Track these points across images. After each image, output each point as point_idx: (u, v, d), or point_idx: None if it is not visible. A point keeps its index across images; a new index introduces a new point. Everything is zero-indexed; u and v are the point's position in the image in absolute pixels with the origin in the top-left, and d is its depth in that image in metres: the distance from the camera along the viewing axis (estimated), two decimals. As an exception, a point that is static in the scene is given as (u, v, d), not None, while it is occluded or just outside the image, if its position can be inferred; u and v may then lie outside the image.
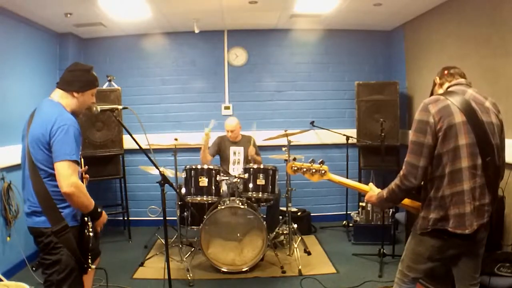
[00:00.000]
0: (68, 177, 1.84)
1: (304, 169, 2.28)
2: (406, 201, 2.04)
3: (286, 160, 3.89)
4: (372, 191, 2.11)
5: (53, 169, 1.88)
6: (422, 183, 1.90)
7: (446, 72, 2.02)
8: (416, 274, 1.98)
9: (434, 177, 1.83)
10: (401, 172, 1.86)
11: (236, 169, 4.25)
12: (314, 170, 2.27)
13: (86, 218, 2.04)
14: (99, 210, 2.06)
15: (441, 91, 2.01)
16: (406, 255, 2.03)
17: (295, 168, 2.31)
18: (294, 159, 2.36)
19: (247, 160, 4.25)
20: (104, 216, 2.14)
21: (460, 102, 1.81)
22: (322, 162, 2.27)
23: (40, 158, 1.92)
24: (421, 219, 1.90)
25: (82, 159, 2.14)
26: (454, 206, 1.78)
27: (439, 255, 1.89)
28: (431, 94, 2.11)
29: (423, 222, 1.89)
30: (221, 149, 4.41)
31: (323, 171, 2.25)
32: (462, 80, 1.96)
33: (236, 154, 4.34)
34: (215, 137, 4.51)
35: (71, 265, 1.94)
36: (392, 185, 1.91)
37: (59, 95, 2.06)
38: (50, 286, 1.95)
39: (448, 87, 1.96)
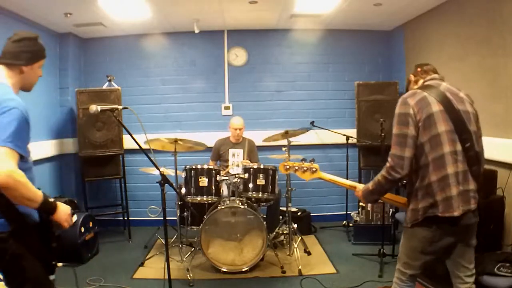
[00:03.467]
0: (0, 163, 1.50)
1: (296, 168, 2.36)
2: (388, 195, 2.09)
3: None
4: (358, 187, 2.17)
5: None
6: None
7: (419, 69, 2.11)
8: (413, 270, 2.01)
9: (418, 167, 1.89)
10: (388, 164, 1.90)
11: (234, 171, 4.25)
12: (305, 168, 2.35)
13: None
14: (49, 206, 1.72)
15: (416, 86, 2.10)
16: (401, 252, 2.07)
17: (287, 167, 2.40)
18: (313, 161, 2.41)
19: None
20: (63, 209, 1.79)
21: (436, 93, 1.92)
22: (312, 160, 2.35)
23: None
24: (410, 211, 1.95)
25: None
26: (441, 191, 1.84)
27: (431, 246, 1.92)
28: (406, 90, 2.19)
29: (412, 214, 1.93)
30: (220, 151, 4.42)
31: (313, 169, 2.33)
32: (435, 76, 2.05)
33: (235, 156, 4.34)
34: (215, 140, 4.54)
35: (37, 273, 1.74)
36: (379, 177, 1.95)
37: (4, 74, 1.76)
38: None
39: (423, 82, 2.05)
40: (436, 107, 1.87)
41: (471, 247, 1.99)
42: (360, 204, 4.39)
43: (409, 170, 1.86)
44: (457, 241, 1.94)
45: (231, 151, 4.36)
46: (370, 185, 2.02)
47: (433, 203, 1.85)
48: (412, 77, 2.15)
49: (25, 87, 1.90)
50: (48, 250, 1.84)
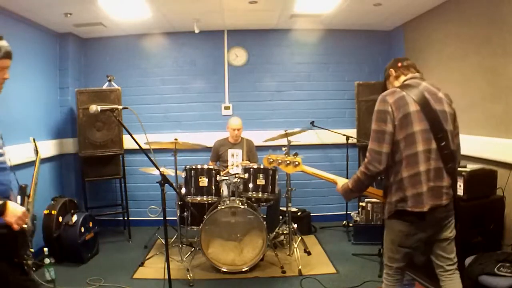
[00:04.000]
0: None
1: (279, 161, 2.39)
2: (370, 188, 2.14)
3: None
4: (338, 183, 2.21)
5: None
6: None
7: (399, 64, 2.15)
8: (396, 263, 2.09)
9: (393, 162, 1.97)
10: (366, 160, 1.98)
11: (234, 171, 4.25)
12: (288, 162, 2.37)
13: None
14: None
15: (396, 83, 2.15)
16: (385, 247, 2.16)
17: (271, 160, 2.41)
18: (296, 155, 2.44)
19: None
20: (12, 210, 1.68)
21: (414, 93, 1.97)
22: (296, 154, 2.39)
23: None
24: (387, 204, 2.04)
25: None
26: (411, 187, 1.92)
27: (407, 240, 2.01)
28: (384, 84, 2.27)
29: (388, 207, 2.03)
30: (219, 152, 4.42)
31: (296, 163, 2.36)
32: (417, 74, 2.11)
33: (234, 156, 4.34)
34: (213, 141, 4.54)
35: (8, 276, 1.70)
36: (357, 173, 2.03)
37: None
38: None
39: (404, 80, 2.09)
40: (413, 107, 1.93)
41: (449, 239, 2.06)
42: (360, 204, 4.40)
43: (386, 165, 1.94)
44: (432, 234, 2.04)
45: (230, 151, 4.36)
46: (349, 183, 2.09)
47: (403, 197, 1.94)
48: (392, 72, 2.18)
49: None
50: (14, 250, 1.77)
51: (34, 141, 2.83)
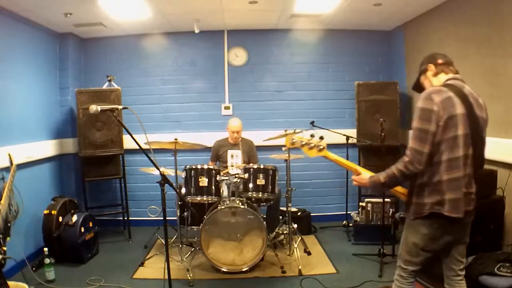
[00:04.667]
0: None
1: (303, 142, 2.28)
2: (398, 187, 2.09)
3: (286, 160, 3.89)
4: (363, 174, 2.15)
5: None
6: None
7: (440, 61, 2.08)
8: (414, 266, 2.04)
9: (430, 163, 1.89)
10: (406, 158, 1.90)
11: (233, 171, 4.24)
12: (312, 145, 2.27)
13: None
14: None
15: (435, 80, 2.07)
16: (401, 249, 2.10)
17: (294, 140, 2.31)
18: (322, 138, 2.31)
19: (244, 163, 4.25)
20: None
21: (461, 96, 1.90)
22: (321, 138, 2.28)
23: None
24: (414, 205, 1.97)
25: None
26: (450, 191, 1.87)
27: (433, 244, 1.97)
28: (418, 79, 2.19)
29: (417, 208, 1.96)
30: (219, 152, 4.42)
31: (321, 147, 2.25)
32: (458, 76, 2.04)
33: (233, 157, 4.34)
34: (213, 141, 4.54)
35: None
36: (394, 170, 1.94)
37: None
38: None
39: (447, 80, 2.02)
40: (459, 109, 1.87)
41: (465, 244, 2.07)
42: (360, 204, 4.40)
43: (425, 165, 1.87)
44: (455, 239, 2.01)
45: (229, 152, 4.36)
46: (381, 177, 2.00)
47: (440, 200, 1.88)
48: (432, 68, 2.09)
49: None
50: None
51: (10, 155, 3.21)
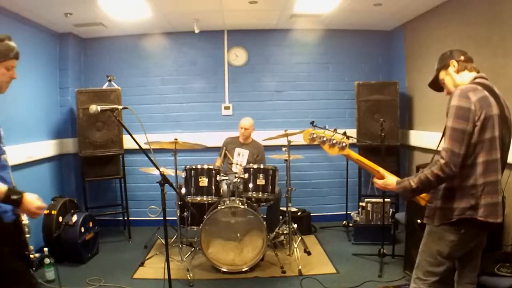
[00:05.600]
0: None
1: (324, 139, 2.03)
2: None
3: (286, 160, 3.89)
4: (388, 178, 1.99)
5: None
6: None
7: (463, 58, 1.98)
8: (435, 277, 1.91)
9: (463, 165, 1.77)
10: (442, 160, 1.76)
11: (237, 169, 4.25)
12: (334, 142, 2.02)
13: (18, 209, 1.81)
14: (13, 197, 1.70)
15: (458, 77, 1.98)
16: (422, 259, 1.96)
17: (314, 135, 2.05)
18: (345, 134, 2.08)
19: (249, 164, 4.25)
20: (29, 201, 1.73)
21: (494, 95, 1.83)
22: (345, 134, 2.09)
23: None
24: (441, 210, 1.85)
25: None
26: (487, 195, 1.77)
27: (458, 252, 1.88)
28: (437, 75, 2.06)
29: (444, 213, 1.84)
30: (227, 148, 4.42)
31: (344, 144, 2.03)
32: (483, 74, 1.95)
33: (240, 155, 4.35)
34: (214, 140, 4.54)
35: (15, 268, 1.75)
36: (427, 174, 1.79)
37: None
38: None
39: (475, 78, 1.92)
40: (495, 109, 1.79)
41: (483, 247, 2.00)
42: (360, 204, 4.39)
43: (459, 168, 1.76)
44: (479, 245, 1.95)
45: (237, 150, 4.37)
46: (412, 182, 1.84)
47: (474, 205, 1.77)
48: (455, 64, 1.99)
49: None
50: (21, 244, 1.84)
51: None
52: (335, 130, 2.08)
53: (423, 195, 1.96)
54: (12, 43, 1.85)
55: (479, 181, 1.77)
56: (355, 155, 2.09)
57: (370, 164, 2.08)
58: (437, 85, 2.10)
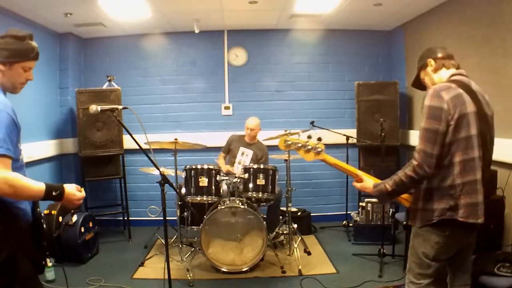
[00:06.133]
0: None
1: (299, 145, 2.08)
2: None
3: (286, 160, 3.89)
4: (366, 181, 2.00)
5: None
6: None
7: (440, 55, 1.95)
8: (427, 279, 1.88)
9: (440, 166, 1.76)
10: (415, 162, 1.75)
11: (238, 169, 4.24)
12: (309, 147, 2.07)
13: (39, 211, 1.83)
14: (54, 194, 1.69)
15: (436, 76, 1.95)
16: (411, 261, 1.93)
17: (289, 142, 2.11)
18: (320, 139, 2.12)
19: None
20: (68, 193, 1.72)
21: (470, 92, 1.79)
22: (319, 139, 2.11)
23: None
24: (421, 211, 1.83)
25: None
26: (466, 195, 1.74)
27: (444, 254, 1.84)
28: (418, 75, 2.06)
29: (425, 214, 1.82)
30: (231, 146, 4.41)
31: (319, 149, 2.07)
32: (462, 71, 1.91)
33: (243, 155, 4.33)
34: (214, 140, 4.54)
35: (27, 272, 1.72)
36: (401, 176, 1.80)
37: None
38: None
39: (452, 75, 1.89)
40: (470, 107, 1.75)
41: (473, 249, 1.97)
42: (360, 204, 4.39)
43: (434, 169, 1.74)
44: (467, 246, 1.92)
45: (241, 149, 4.35)
46: (388, 185, 1.85)
47: (453, 206, 1.75)
48: (431, 63, 1.96)
49: (6, 88, 1.73)
50: (39, 249, 1.82)
51: None
52: (309, 137, 2.13)
53: (406, 196, 1.95)
54: (33, 43, 1.80)
55: (457, 181, 1.75)
56: (331, 159, 2.11)
57: (348, 168, 2.12)
58: (420, 84, 2.10)
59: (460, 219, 1.75)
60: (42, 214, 1.83)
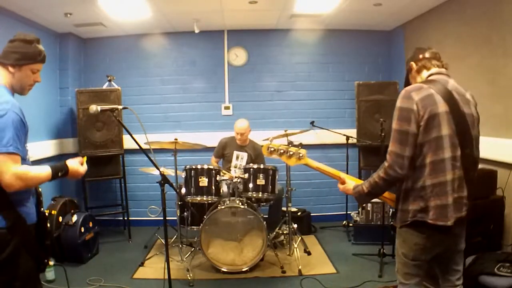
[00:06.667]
0: (5, 173, 1.59)
1: (281, 151, 2.18)
2: (385, 193, 1.98)
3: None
4: (348, 183, 2.04)
5: None
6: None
7: (421, 56, 1.95)
8: (415, 278, 1.88)
9: (413, 167, 1.77)
10: (386, 163, 1.78)
11: (236, 173, 4.22)
12: (291, 153, 2.17)
13: (43, 211, 1.94)
14: (60, 174, 1.87)
15: (419, 78, 1.96)
16: (397, 262, 1.94)
17: (272, 149, 2.20)
18: (300, 145, 2.23)
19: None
20: (73, 171, 1.93)
21: (443, 92, 1.77)
22: (300, 145, 2.19)
23: None
24: (400, 212, 1.85)
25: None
26: (435, 197, 1.73)
27: (423, 255, 1.83)
28: (406, 79, 2.08)
29: (402, 215, 1.83)
30: (225, 151, 4.40)
31: (300, 155, 2.16)
32: (443, 70, 1.91)
33: (238, 158, 4.31)
34: (214, 140, 4.53)
35: (29, 270, 1.75)
36: (375, 178, 1.83)
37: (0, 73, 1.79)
38: None
39: (429, 75, 1.89)
40: (442, 107, 1.73)
41: (461, 252, 1.94)
42: (360, 204, 4.40)
43: (407, 169, 1.74)
44: (448, 249, 1.89)
45: (235, 153, 4.33)
46: (364, 187, 1.88)
47: (424, 207, 1.75)
48: (413, 66, 1.98)
49: (15, 90, 1.84)
50: (42, 248, 1.88)
51: None
52: (290, 143, 2.23)
53: (391, 196, 1.98)
54: (40, 46, 1.89)
55: (427, 183, 1.74)
56: (314, 164, 2.16)
57: (331, 171, 2.15)
58: None
59: (430, 221, 1.74)
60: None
